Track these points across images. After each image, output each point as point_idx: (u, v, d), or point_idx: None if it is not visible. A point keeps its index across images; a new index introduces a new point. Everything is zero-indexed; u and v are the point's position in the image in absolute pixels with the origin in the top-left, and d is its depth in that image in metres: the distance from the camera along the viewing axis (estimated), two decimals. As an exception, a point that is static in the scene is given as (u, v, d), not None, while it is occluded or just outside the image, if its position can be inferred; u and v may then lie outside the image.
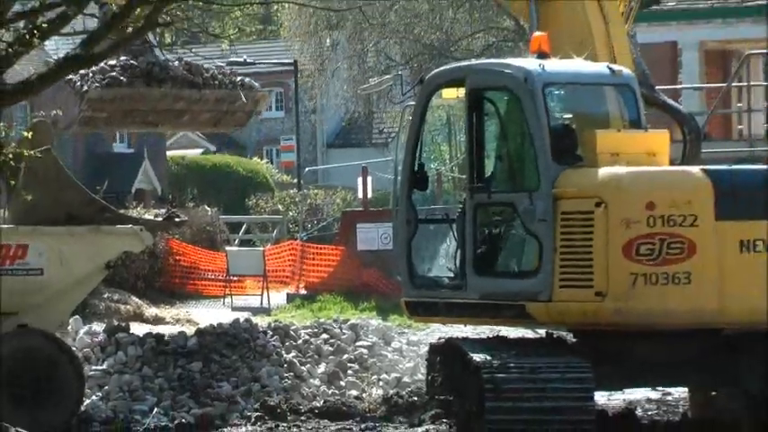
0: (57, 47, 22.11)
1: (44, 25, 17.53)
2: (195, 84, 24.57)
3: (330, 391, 23.17)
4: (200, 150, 76.55)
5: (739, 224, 18.33)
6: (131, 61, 24.14)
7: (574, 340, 19.38)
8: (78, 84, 23.56)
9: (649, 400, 22.28)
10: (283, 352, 24.63)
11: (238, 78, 26.05)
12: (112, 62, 23.72)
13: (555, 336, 19.75)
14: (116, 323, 27.36)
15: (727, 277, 18.25)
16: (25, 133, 20.73)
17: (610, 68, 20.22)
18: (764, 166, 21.52)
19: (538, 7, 21.47)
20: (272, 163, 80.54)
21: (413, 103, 21.26)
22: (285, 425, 19.89)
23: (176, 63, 24.81)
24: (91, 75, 23.60)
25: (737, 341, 18.87)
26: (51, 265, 20.85)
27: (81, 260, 21.22)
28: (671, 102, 23.78)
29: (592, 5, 21.22)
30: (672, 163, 20.22)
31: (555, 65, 20.09)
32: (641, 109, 20.17)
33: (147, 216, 22.76)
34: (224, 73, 25.73)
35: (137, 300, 39.02)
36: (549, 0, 21.49)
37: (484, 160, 19.88)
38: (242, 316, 29.51)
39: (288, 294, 43.44)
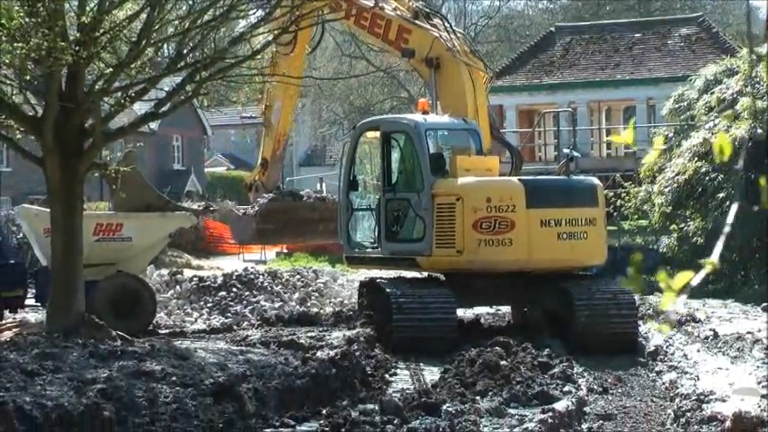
0: (139, 106, 22.02)
1: (132, 94, 17.51)
2: (322, 199, 24.30)
3: (301, 309, 22.94)
4: (224, 168, 75.94)
5: (540, 210, 18.35)
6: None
7: (444, 279, 19.28)
8: (253, 209, 23.44)
9: (488, 314, 22.12)
10: (273, 286, 24.51)
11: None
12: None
13: (433, 276, 19.64)
14: (175, 269, 27.37)
15: (533, 241, 18.31)
16: (121, 157, 20.86)
17: (464, 120, 20.27)
18: (552, 177, 21.80)
19: (436, 74, 21.11)
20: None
21: (349, 140, 21.33)
22: (275, 328, 19.79)
23: (307, 191, 24.66)
24: (258, 200, 23.40)
25: (538, 278, 18.94)
26: (137, 235, 20.59)
27: (154, 232, 20.98)
28: (507, 139, 23.70)
29: (466, 76, 20.78)
30: (502, 175, 20.40)
31: (432, 118, 20.16)
32: (482, 143, 20.03)
33: (193, 206, 22.55)
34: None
35: (187, 255, 38.67)
36: (443, 71, 21.07)
37: (391, 174, 19.87)
38: (249, 265, 29.64)
39: (276, 252, 43.40)
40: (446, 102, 20.93)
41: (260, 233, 23.38)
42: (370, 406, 13.00)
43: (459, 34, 22.02)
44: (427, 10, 22.35)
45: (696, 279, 4.01)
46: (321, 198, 24.31)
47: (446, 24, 21.94)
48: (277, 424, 12.36)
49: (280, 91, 22.79)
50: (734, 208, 4.49)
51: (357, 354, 15.54)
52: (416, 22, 21.49)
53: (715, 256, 4.10)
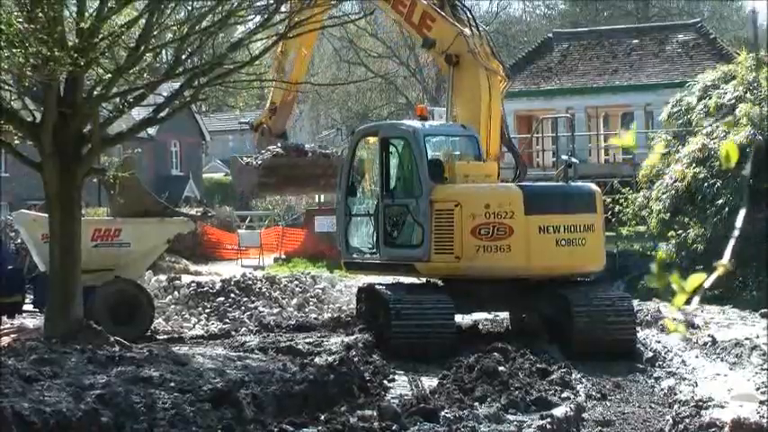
0: (138, 112, 22.00)
1: (130, 100, 17.47)
2: (326, 155, 24.23)
3: (299, 314, 23.03)
4: (222, 173, 75.97)
5: (538, 217, 18.32)
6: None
7: (442, 285, 19.28)
8: (257, 161, 23.28)
9: (486, 320, 22.12)
10: (271, 292, 24.57)
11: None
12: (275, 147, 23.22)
13: (431, 282, 19.66)
14: (173, 275, 27.41)
15: (531, 248, 18.28)
16: (120, 163, 20.85)
17: (462, 126, 20.26)
18: (551, 183, 21.80)
19: (454, 72, 20.87)
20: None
21: (347, 146, 21.38)
22: (273, 334, 19.78)
23: (311, 146, 24.56)
24: (263, 152, 23.24)
25: (537, 285, 18.95)
26: (135, 241, 20.61)
27: (152, 238, 20.98)
28: (516, 148, 23.43)
29: (483, 80, 20.57)
30: (503, 181, 20.31)
31: (430, 124, 20.25)
32: (481, 149, 19.99)
33: (191, 212, 22.52)
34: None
35: (185, 261, 38.69)
36: (461, 70, 20.80)
37: (390, 179, 19.85)
38: (247, 271, 29.61)
39: (274, 258, 43.35)
40: (460, 104, 20.77)
41: (261, 186, 23.38)
42: (369, 412, 12.96)
43: (482, 31, 21.60)
44: (454, 1, 21.66)
45: (708, 281, 4.02)
46: (325, 155, 24.27)
47: (469, 16, 21.51)
48: (275, 430, 12.32)
49: (296, 40, 22.37)
50: (742, 213, 4.50)
51: (355, 360, 15.54)
52: (442, 12, 21.07)
53: (725, 259, 4.11)
